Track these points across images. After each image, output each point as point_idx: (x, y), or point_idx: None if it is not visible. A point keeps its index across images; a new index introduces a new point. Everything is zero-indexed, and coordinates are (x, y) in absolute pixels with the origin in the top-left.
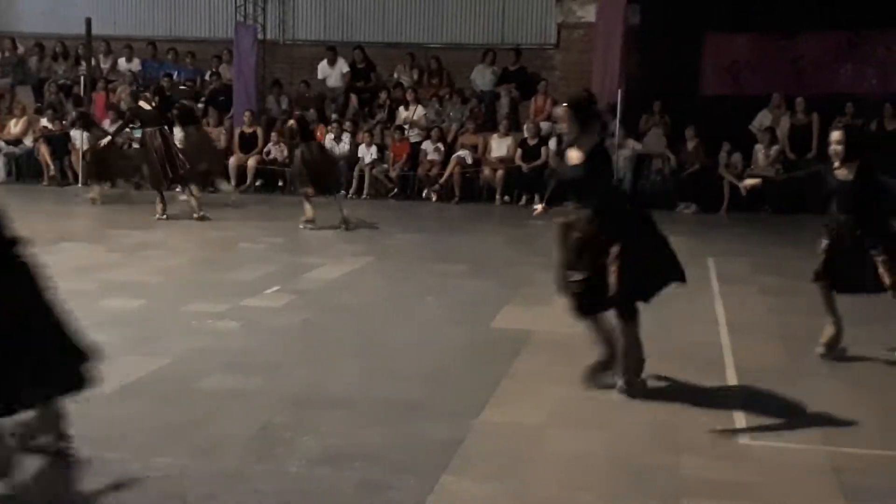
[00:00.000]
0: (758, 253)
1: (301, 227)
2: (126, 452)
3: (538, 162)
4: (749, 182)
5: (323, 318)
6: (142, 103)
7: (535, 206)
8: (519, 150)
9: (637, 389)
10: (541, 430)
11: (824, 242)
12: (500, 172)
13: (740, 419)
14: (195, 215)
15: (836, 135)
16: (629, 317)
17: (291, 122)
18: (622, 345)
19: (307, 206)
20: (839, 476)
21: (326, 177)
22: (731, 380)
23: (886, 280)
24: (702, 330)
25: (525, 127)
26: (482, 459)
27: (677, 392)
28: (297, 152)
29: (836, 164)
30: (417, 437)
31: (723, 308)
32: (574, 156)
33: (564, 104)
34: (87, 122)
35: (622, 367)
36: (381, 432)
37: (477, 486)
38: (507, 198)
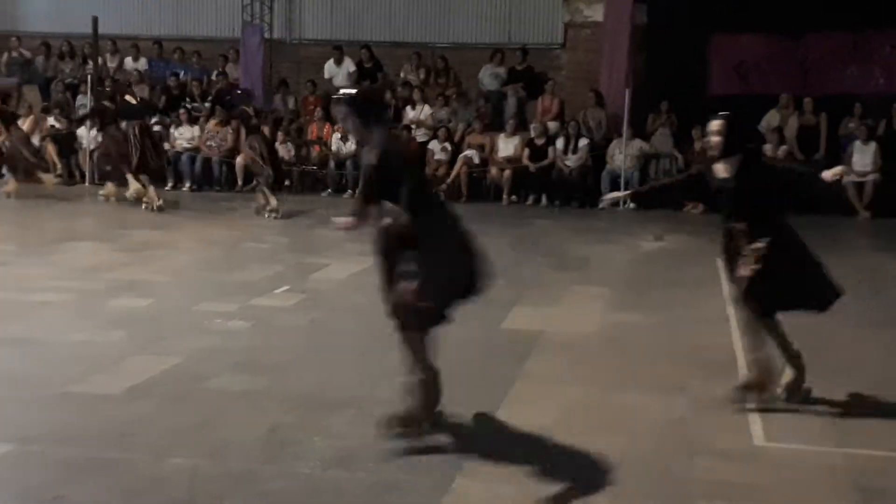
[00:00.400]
0: None
1: (266, 216)
2: (136, 453)
3: (545, 162)
4: (613, 195)
5: (332, 319)
6: (128, 97)
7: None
8: (526, 150)
9: (417, 431)
10: (554, 432)
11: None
12: (507, 172)
13: (754, 421)
14: (154, 206)
15: (715, 124)
16: (417, 329)
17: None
18: (415, 377)
19: (265, 196)
20: (855, 478)
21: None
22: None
23: (740, 271)
24: (713, 331)
25: (532, 127)
26: (496, 461)
27: (690, 394)
28: (245, 145)
29: (715, 154)
30: (430, 438)
31: (733, 309)
32: (372, 155)
33: (340, 99)
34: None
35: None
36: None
37: (491, 487)
38: (514, 198)
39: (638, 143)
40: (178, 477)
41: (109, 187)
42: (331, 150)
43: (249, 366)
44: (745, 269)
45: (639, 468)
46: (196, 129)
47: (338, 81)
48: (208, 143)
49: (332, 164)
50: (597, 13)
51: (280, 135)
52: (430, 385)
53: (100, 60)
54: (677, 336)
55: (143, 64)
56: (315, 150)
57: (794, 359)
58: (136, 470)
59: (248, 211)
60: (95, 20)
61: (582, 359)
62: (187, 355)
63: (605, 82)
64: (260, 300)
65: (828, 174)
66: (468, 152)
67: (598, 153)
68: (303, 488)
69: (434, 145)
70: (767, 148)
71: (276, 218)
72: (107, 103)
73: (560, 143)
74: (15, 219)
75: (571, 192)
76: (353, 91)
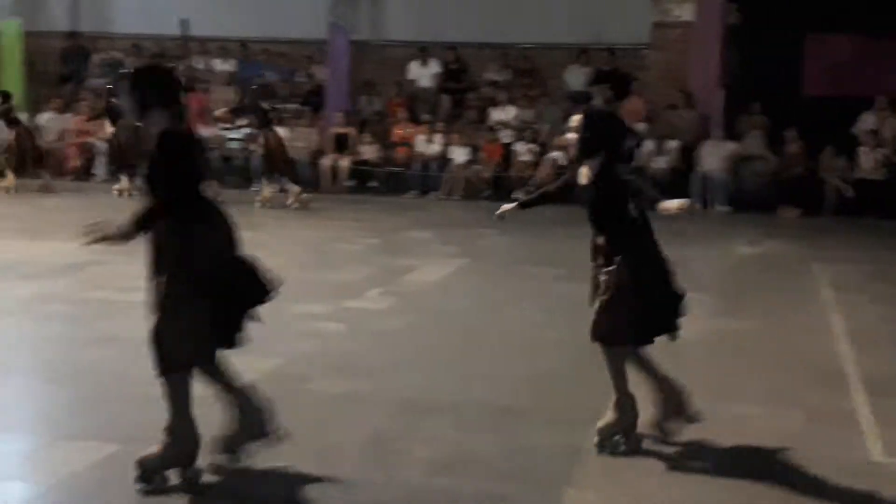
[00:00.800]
0: (866, 259)
1: (258, 206)
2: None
3: (634, 164)
4: (503, 208)
5: (425, 322)
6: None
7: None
8: None
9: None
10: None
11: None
12: None
13: (871, 434)
14: None
15: (574, 119)
16: (170, 372)
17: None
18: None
19: (266, 188)
20: None
21: (286, 163)
22: (856, 392)
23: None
24: (818, 340)
25: None
26: (604, 471)
27: (801, 405)
28: (261, 139)
29: (573, 156)
30: (533, 446)
31: (837, 317)
32: (151, 143)
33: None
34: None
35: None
36: (495, 440)
37: (601, 498)
38: None
39: (729, 145)
40: (283, 481)
41: (124, 182)
42: (416, 151)
43: (348, 369)
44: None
45: (750, 482)
46: (283, 130)
47: (423, 83)
48: (295, 143)
49: (416, 165)
50: (686, 13)
51: (367, 136)
52: (183, 436)
53: (188, 62)
54: (782, 344)
55: (231, 65)
56: (400, 152)
57: (623, 399)
58: (241, 473)
59: (335, 212)
60: (184, 22)
61: (685, 366)
62: (286, 357)
63: (694, 83)
64: (353, 302)
65: (667, 205)
66: (554, 153)
67: (687, 155)
68: (410, 497)
69: (520, 146)
70: (863, 150)
71: (270, 208)
72: (115, 101)
73: (648, 144)
74: (106, 217)
75: (661, 195)
76: (134, 68)
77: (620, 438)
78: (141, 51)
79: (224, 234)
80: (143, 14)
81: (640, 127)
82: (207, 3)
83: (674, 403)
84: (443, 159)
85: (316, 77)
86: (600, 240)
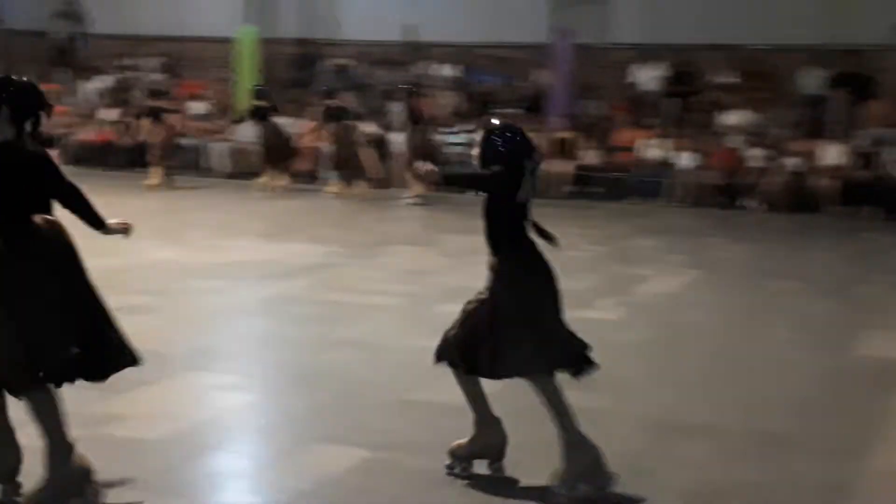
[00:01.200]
0: None
1: (407, 202)
2: (487, 467)
3: (876, 171)
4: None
5: (663, 335)
6: (329, 101)
7: None
8: (853, 158)
9: None
10: None
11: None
12: (832, 182)
13: None
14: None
15: (480, 133)
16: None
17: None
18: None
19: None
20: None
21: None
22: None
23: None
24: None
25: (860, 133)
26: None
27: None
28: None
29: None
30: (797, 477)
31: None
32: None
33: None
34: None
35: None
36: (754, 468)
37: None
38: (841, 209)
39: None
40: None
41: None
42: (639, 156)
43: (588, 383)
44: None
45: None
46: None
47: (647, 86)
48: None
49: (640, 170)
50: None
51: (588, 141)
52: (68, 455)
53: (414, 67)
54: None
55: (455, 70)
56: (622, 157)
57: (572, 438)
58: (494, 487)
59: (557, 217)
60: (410, 28)
61: None
62: None
63: None
64: (585, 312)
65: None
66: (788, 160)
67: None
68: None
69: (751, 152)
70: None
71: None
72: (260, 103)
73: (893, 151)
74: (335, 220)
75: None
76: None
77: (582, 481)
78: (367, 57)
79: (51, 264)
80: (370, 21)
81: (885, 132)
82: (432, 10)
83: (494, 449)
84: (667, 164)
85: (538, 81)
86: (493, 261)
